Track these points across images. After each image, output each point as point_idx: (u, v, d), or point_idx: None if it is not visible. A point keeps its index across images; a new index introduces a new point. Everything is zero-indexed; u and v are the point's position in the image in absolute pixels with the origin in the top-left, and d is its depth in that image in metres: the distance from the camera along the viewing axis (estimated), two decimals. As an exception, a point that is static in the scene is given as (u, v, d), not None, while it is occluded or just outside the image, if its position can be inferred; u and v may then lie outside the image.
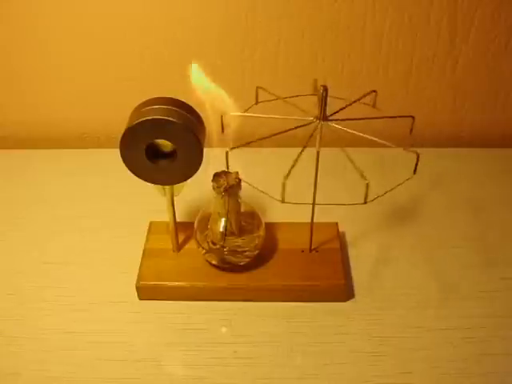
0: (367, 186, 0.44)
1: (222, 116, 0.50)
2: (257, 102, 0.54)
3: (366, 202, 0.45)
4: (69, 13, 0.74)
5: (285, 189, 0.44)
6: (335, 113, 0.51)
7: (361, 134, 0.48)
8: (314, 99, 0.50)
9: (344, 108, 0.51)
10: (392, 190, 0.47)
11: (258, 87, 0.54)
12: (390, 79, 0.80)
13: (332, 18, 0.74)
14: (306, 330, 0.56)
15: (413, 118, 0.51)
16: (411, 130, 0.52)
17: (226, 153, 0.47)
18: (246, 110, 0.53)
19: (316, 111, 0.50)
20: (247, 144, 0.47)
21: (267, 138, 0.48)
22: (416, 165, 0.47)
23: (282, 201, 0.45)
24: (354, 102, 0.52)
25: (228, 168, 0.49)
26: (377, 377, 0.52)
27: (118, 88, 0.81)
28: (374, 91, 0.53)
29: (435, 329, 0.56)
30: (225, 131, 0.53)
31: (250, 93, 0.55)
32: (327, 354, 0.54)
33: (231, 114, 0.51)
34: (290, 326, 0.57)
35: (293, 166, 0.44)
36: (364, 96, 0.53)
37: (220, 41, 0.77)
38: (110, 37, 0.77)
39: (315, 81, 0.52)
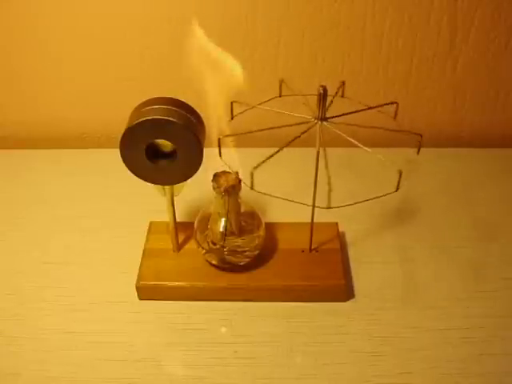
0: (329, 192, 0.44)
1: (219, 139, 0.49)
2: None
3: (329, 208, 0.46)
4: (69, 13, 0.74)
5: (253, 177, 0.45)
6: (341, 115, 0.51)
7: (355, 142, 0.48)
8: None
9: (351, 113, 0.51)
10: (366, 201, 0.47)
11: (281, 80, 0.54)
12: (389, 79, 0.80)
13: (332, 18, 0.74)
14: (305, 330, 0.56)
15: (397, 104, 0.51)
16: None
17: (219, 139, 0.47)
18: (267, 101, 0.52)
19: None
20: (241, 134, 0.47)
21: (262, 130, 0.48)
22: (398, 182, 0.46)
23: (252, 188, 0.46)
24: (369, 108, 0.52)
25: (220, 154, 0.49)
26: (377, 377, 0.52)
27: (117, 88, 0.81)
28: (396, 103, 0.52)
29: (435, 329, 0.56)
30: (231, 122, 0.53)
31: (250, 93, 0.55)
32: (327, 354, 0.54)
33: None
34: (289, 326, 0.57)
35: (268, 159, 0.45)
36: (383, 105, 0.52)
37: (220, 41, 0.77)
38: (110, 37, 0.77)
39: (343, 84, 0.52)
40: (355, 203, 0.47)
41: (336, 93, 0.53)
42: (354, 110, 0.51)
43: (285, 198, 0.47)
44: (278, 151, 0.46)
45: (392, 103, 0.52)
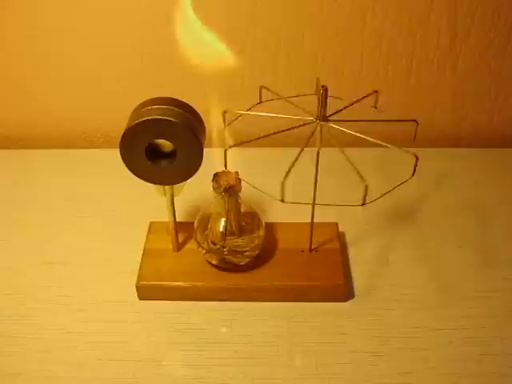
0: (366, 187, 0.44)
1: (224, 112, 0.49)
2: (260, 102, 0.54)
3: (363, 204, 0.45)
4: (69, 13, 0.74)
5: (284, 188, 0.44)
6: (335, 113, 0.51)
7: (361, 136, 0.48)
8: (313, 99, 0.50)
9: (344, 109, 0.51)
10: (390, 191, 0.47)
11: (261, 86, 0.54)
12: (389, 79, 0.80)
13: (332, 18, 0.74)
14: (305, 329, 0.56)
15: (376, 92, 0.51)
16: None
17: (225, 151, 0.47)
18: (249, 109, 0.53)
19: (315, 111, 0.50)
20: (246, 142, 0.47)
21: (266, 136, 0.48)
22: (415, 167, 0.47)
23: (282, 200, 0.45)
24: (355, 102, 0.52)
25: (226, 166, 0.49)
26: (377, 377, 0.52)
27: (117, 88, 0.81)
28: (376, 91, 0.53)
29: (435, 329, 0.56)
30: (225, 130, 0.53)
31: (250, 93, 0.55)
32: (327, 354, 0.54)
33: (234, 111, 0.51)
34: (289, 326, 0.57)
35: (291, 167, 0.44)
36: (366, 96, 0.52)
37: (220, 41, 0.77)
38: (110, 37, 0.77)
39: (318, 80, 0.52)
40: (381, 196, 0.47)
41: (359, 99, 0.53)
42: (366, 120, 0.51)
43: (305, 203, 0.46)
44: (299, 154, 0.45)
45: (373, 92, 0.52)
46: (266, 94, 0.55)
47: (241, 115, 0.52)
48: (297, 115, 0.50)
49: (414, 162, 0.46)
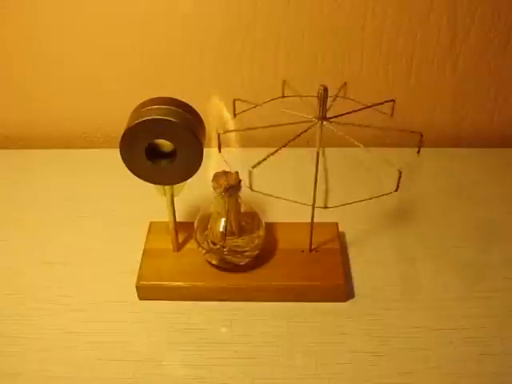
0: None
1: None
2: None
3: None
4: (69, 13, 0.74)
5: (252, 177, 0.45)
6: (341, 115, 0.51)
7: (353, 140, 0.48)
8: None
9: (352, 112, 0.51)
10: (377, 197, 0.47)
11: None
12: (389, 79, 0.80)
13: (332, 18, 0.74)
14: (306, 329, 0.56)
15: (393, 101, 0.51)
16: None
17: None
18: (226, 132, 0.52)
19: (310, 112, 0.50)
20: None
21: (264, 127, 0.48)
22: (398, 182, 0.47)
23: (250, 188, 0.45)
24: (368, 107, 0.52)
25: (220, 150, 0.49)
26: (377, 377, 0.52)
27: (118, 88, 0.81)
28: (393, 100, 0.52)
29: (435, 329, 0.56)
30: (225, 132, 0.53)
31: (250, 93, 0.55)
32: (327, 353, 0.54)
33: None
34: (289, 326, 0.57)
35: (264, 160, 0.44)
36: (380, 104, 0.52)
37: (220, 41, 0.77)
38: (110, 37, 0.77)
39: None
40: (361, 200, 0.47)
41: (336, 94, 0.53)
42: (354, 110, 0.51)
43: (293, 200, 0.47)
44: (277, 150, 0.45)
45: (389, 101, 0.51)
46: (272, 92, 0.54)
47: (249, 109, 0.51)
48: (293, 116, 0.50)
49: (398, 175, 0.46)
